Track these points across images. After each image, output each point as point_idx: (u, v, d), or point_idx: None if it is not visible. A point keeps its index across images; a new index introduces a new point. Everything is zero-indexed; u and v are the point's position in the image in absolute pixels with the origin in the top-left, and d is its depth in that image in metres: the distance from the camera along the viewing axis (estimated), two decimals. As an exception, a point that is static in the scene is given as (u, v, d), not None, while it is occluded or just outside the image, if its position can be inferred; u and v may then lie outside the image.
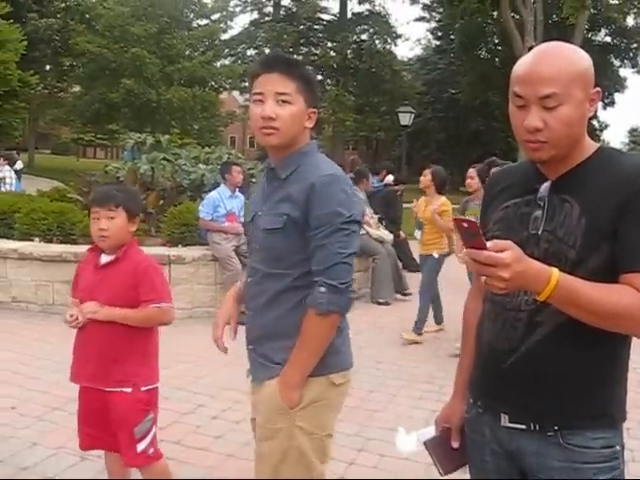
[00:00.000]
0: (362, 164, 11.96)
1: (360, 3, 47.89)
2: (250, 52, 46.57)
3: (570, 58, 1.65)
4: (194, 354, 5.63)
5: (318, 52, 47.55)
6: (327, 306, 2.10)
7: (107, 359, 2.84)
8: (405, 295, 8.88)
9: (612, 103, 47.78)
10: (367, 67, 44.54)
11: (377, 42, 46.26)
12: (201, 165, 10.16)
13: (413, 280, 8.47)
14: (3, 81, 28.06)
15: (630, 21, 39.11)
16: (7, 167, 14.61)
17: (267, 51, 42.00)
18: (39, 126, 48.74)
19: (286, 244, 2.17)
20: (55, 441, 3.98)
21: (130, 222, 2.91)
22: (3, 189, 13.31)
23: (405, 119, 23.67)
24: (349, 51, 46.52)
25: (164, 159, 10.25)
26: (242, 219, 7.48)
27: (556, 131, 1.64)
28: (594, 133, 44.71)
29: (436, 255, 6.86)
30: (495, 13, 36.07)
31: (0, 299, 7.42)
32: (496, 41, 43.24)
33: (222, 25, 39.40)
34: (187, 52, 36.59)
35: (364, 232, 8.19)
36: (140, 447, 2.88)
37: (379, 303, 8.58)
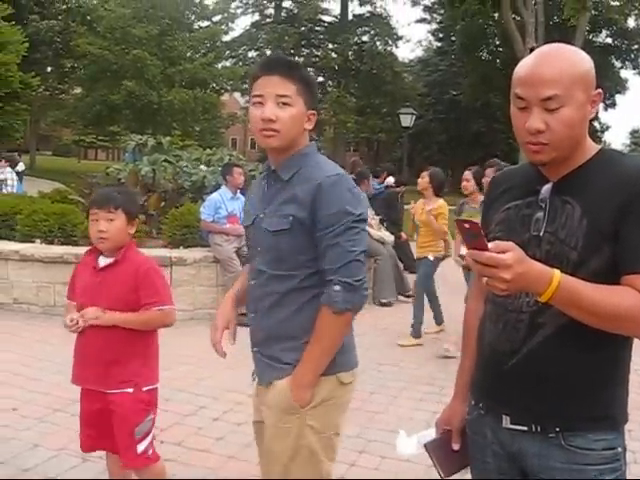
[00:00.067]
0: (363, 165, 11.96)
1: (361, 5, 48.02)
2: (251, 54, 46.70)
3: (571, 60, 1.65)
4: (195, 356, 5.62)
5: (319, 54, 47.61)
6: (343, 304, 2.11)
7: (108, 362, 2.83)
8: (407, 297, 8.88)
9: (613, 104, 47.82)
10: (368, 69, 44.57)
11: (378, 44, 46.31)
12: (202, 167, 10.16)
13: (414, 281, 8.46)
14: (4, 83, 28.06)
15: (631, 22, 39.16)
16: (8, 169, 14.64)
17: (268, 53, 42.03)
18: (40, 128, 48.81)
19: (292, 245, 2.17)
20: (56, 442, 3.98)
21: (129, 224, 2.90)
22: (4, 191, 13.32)
23: (406, 121, 23.67)
24: (350, 53, 46.55)
25: (165, 161, 10.25)
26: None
27: (557, 133, 1.64)
28: (595, 134, 44.71)
29: (431, 257, 6.83)
30: (496, 15, 36.08)
31: (1, 300, 7.42)
32: (497, 43, 43.27)
33: (223, 27, 39.47)
34: (188, 54, 36.64)
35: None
36: (140, 448, 2.88)
37: (382, 304, 8.59)
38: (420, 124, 39.13)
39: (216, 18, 39.32)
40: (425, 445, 2.06)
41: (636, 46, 43.79)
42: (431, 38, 53.62)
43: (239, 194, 7.72)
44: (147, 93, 33.05)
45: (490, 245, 1.50)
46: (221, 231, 7.49)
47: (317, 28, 48.83)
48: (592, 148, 1.74)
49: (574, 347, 1.67)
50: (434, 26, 51.61)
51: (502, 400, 1.78)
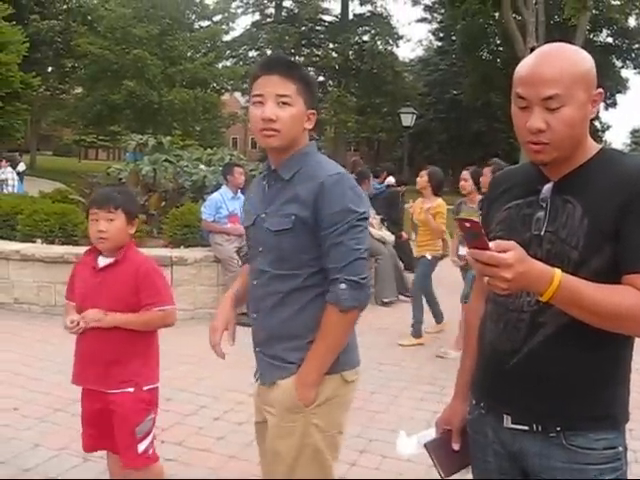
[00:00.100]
0: (364, 165, 11.95)
1: (362, 4, 47.98)
2: (252, 53, 46.68)
3: (572, 59, 1.65)
4: (196, 355, 5.63)
5: (320, 53, 47.59)
6: (350, 302, 2.12)
7: (109, 362, 2.83)
8: (407, 296, 8.87)
9: (614, 104, 47.78)
10: (369, 68, 44.56)
11: (379, 43, 46.27)
12: (202, 166, 10.16)
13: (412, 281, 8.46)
14: (5, 83, 28.06)
15: (632, 22, 39.09)
16: (9, 169, 14.66)
17: (269, 52, 42.03)
18: (41, 128, 48.80)
19: (294, 244, 2.17)
20: (57, 442, 3.98)
21: (129, 224, 2.89)
22: (5, 191, 13.34)
23: (407, 120, 23.68)
24: (351, 52, 46.55)
25: (166, 160, 10.25)
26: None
27: (558, 132, 1.64)
28: (596, 134, 44.68)
29: (429, 257, 6.82)
30: (497, 14, 36.04)
31: (2, 300, 7.42)
32: (498, 42, 43.23)
33: (224, 27, 39.48)
34: (189, 53, 36.65)
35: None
36: (141, 447, 2.87)
37: (384, 303, 8.57)
38: (421, 124, 39.13)
39: (217, 18, 39.33)
40: (425, 445, 2.06)
41: (637, 45, 43.76)
42: (432, 37, 53.67)
43: (240, 194, 7.72)
44: (148, 93, 33.05)
45: (491, 244, 1.50)
46: (222, 231, 7.50)
47: (318, 28, 48.82)
48: (593, 148, 1.74)
49: (575, 346, 1.67)
50: (435, 25, 51.64)
51: (503, 399, 1.78)
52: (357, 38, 47.59)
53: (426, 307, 7.00)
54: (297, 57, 43.17)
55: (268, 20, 48.04)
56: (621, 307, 1.55)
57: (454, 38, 45.66)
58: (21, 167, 17.96)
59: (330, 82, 47.49)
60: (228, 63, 42.75)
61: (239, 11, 45.94)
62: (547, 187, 1.74)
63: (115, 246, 2.86)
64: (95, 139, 49.51)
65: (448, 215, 6.85)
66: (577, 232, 1.64)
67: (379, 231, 9.18)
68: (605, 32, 43.80)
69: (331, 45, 47.65)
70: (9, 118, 29.61)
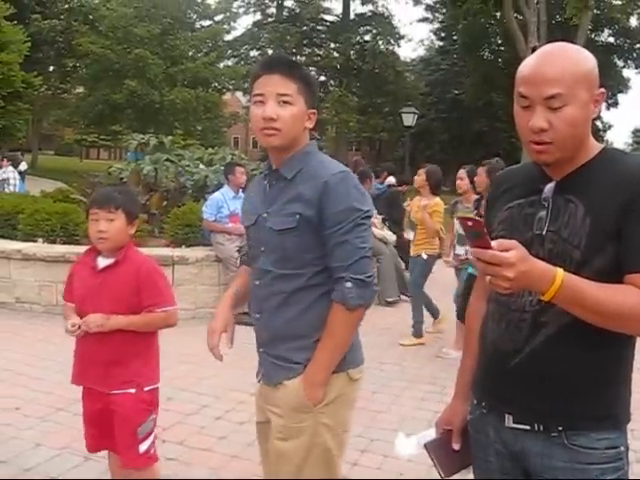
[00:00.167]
0: (365, 165, 11.95)
1: (363, 4, 47.90)
2: (253, 53, 46.63)
3: (574, 59, 1.65)
4: (198, 355, 5.62)
5: (321, 53, 47.54)
6: (356, 300, 2.12)
7: (109, 362, 2.82)
8: (408, 296, 8.86)
9: (615, 104, 47.69)
10: (370, 68, 44.50)
11: (380, 43, 46.21)
12: (201, 166, 10.16)
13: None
14: (7, 82, 28.07)
15: (634, 21, 39.06)
16: (11, 168, 14.67)
17: (270, 52, 41.99)
18: (43, 127, 48.78)
19: (298, 243, 2.17)
20: (59, 442, 3.98)
21: (129, 224, 2.87)
22: (7, 190, 13.35)
23: (408, 120, 23.68)
24: (352, 52, 46.50)
25: (167, 160, 10.26)
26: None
27: (561, 132, 1.64)
28: (598, 134, 44.64)
29: (425, 256, 6.81)
30: (498, 14, 36.01)
31: (4, 300, 7.43)
32: (499, 42, 43.18)
33: (225, 26, 39.42)
34: (190, 53, 36.61)
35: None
36: (143, 447, 2.87)
37: (387, 303, 8.55)
38: (422, 123, 39.06)
39: (218, 17, 39.27)
40: (425, 445, 2.05)
41: (638, 45, 43.64)
42: (433, 37, 53.57)
43: (241, 193, 7.72)
44: (149, 92, 33.02)
45: (493, 243, 1.50)
46: (223, 230, 7.50)
47: (319, 27, 48.75)
48: (595, 147, 1.74)
49: (577, 346, 1.67)
50: (436, 25, 51.54)
51: (505, 399, 1.78)
52: (358, 38, 47.52)
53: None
54: (298, 57, 43.13)
55: (269, 20, 48.00)
56: (623, 306, 1.55)
57: (455, 38, 45.59)
58: (23, 167, 17.97)
59: (331, 82, 47.44)
60: (229, 63, 42.68)
61: (240, 11, 45.92)
62: (549, 186, 1.74)
63: (115, 246, 2.85)
64: (96, 139, 49.47)
65: (445, 215, 6.85)
66: (579, 232, 1.64)
67: (381, 231, 9.17)
68: (607, 32, 43.72)
69: (332, 45, 47.58)
70: (11, 118, 29.62)
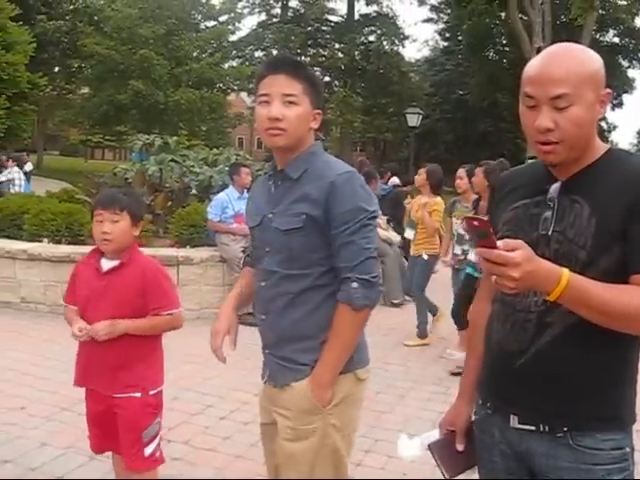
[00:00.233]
0: (370, 165, 11.93)
1: (368, 4, 47.91)
2: (258, 53, 46.64)
3: (580, 59, 1.66)
4: (202, 355, 5.61)
5: (326, 53, 47.54)
6: (362, 301, 2.12)
7: (114, 366, 2.80)
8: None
9: (620, 104, 47.57)
10: (375, 68, 44.48)
11: (385, 43, 46.20)
12: (205, 167, 10.17)
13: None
14: (12, 83, 28.16)
15: (639, 22, 39.01)
16: (16, 168, 14.73)
17: (275, 52, 42.01)
18: (48, 128, 48.85)
19: (304, 243, 2.17)
20: (64, 441, 3.99)
21: (134, 226, 2.85)
22: (12, 190, 13.41)
23: (413, 120, 23.66)
24: (357, 52, 46.48)
25: (172, 160, 10.27)
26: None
27: (567, 131, 1.64)
28: (602, 134, 44.51)
29: (425, 256, 6.80)
30: (503, 14, 35.99)
31: (9, 300, 7.45)
32: (504, 42, 43.12)
33: (230, 27, 39.41)
34: (195, 54, 36.63)
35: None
36: (148, 451, 2.85)
37: (393, 304, 8.53)
38: (427, 124, 39.03)
39: (223, 18, 39.28)
40: (429, 445, 2.05)
41: (644, 45, 43.61)
42: (438, 38, 53.53)
43: (246, 194, 7.73)
44: (154, 93, 33.05)
45: (499, 243, 1.50)
46: (228, 231, 7.51)
47: (323, 28, 48.75)
48: (600, 148, 1.74)
49: (583, 347, 1.67)
50: (441, 26, 51.50)
51: (510, 400, 1.78)
52: (363, 38, 47.51)
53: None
54: (303, 57, 43.11)
55: (274, 20, 48.02)
56: (630, 307, 1.55)
57: (460, 38, 45.56)
58: (28, 167, 18.04)
59: (336, 82, 47.41)
60: (234, 63, 42.70)
61: (245, 11, 45.91)
62: (555, 187, 1.74)
63: (119, 248, 2.83)
64: (101, 139, 49.54)
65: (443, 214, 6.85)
66: (585, 232, 1.64)
67: (386, 232, 9.15)
68: (612, 32, 43.63)
69: (337, 45, 47.56)
70: (16, 118, 29.67)
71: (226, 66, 39.45)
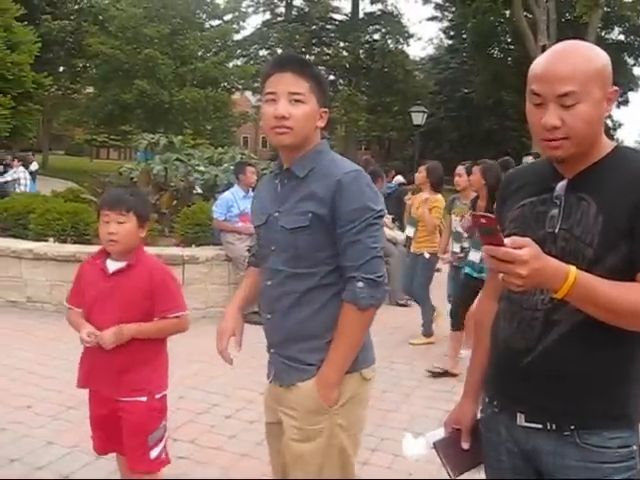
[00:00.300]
0: (375, 164, 11.92)
1: (372, 3, 47.91)
2: (262, 52, 46.69)
3: (587, 56, 1.65)
4: (208, 353, 5.59)
5: (330, 52, 47.55)
6: (368, 300, 2.12)
7: (120, 369, 2.78)
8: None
9: (626, 102, 47.48)
10: (379, 67, 44.46)
11: (389, 42, 46.18)
12: (210, 166, 10.17)
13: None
14: (17, 83, 28.23)
15: (644, 19, 38.86)
16: (22, 168, 14.79)
17: (279, 51, 42.03)
18: (53, 127, 48.94)
19: (310, 242, 2.16)
20: (70, 440, 4.00)
21: (140, 227, 2.83)
22: (18, 190, 13.45)
23: (418, 119, 23.67)
24: (361, 51, 46.49)
25: (177, 160, 10.28)
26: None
27: (574, 129, 1.63)
28: (608, 132, 44.26)
29: (427, 255, 6.79)
30: (507, 12, 35.97)
31: (15, 299, 7.46)
32: (509, 40, 43.08)
33: (234, 26, 39.48)
34: (200, 53, 36.67)
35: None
36: (153, 454, 2.84)
37: (398, 304, 8.49)
38: (431, 122, 38.98)
39: (227, 17, 39.33)
40: (434, 444, 2.05)
41: (649, 43, 43.47)
42: (442, 36, 53.46)
43: (251, 193, 7.73)
44: (159, 92, 33.10)
45: (506, 241, 1.50)
46: (233, 230, 7.51)
47: (328, 26, 48.76)
48: (607, 145, 1.74)
49: (589, 344, 1.66)
50: (445, 24, 51.45)
51: (517, 398, 1.78)
52: (368, 37, 47.52)
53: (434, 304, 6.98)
54: (308, 56, 43.05)
55: (279, 19, 48.07)
56: (637, 304, 1.55)
57: (465, 36, 45.50)
58: (33, 167, 18.07)
59: (341, 81, 47.43)
60: (239, 62, 42.74)
61: (250, 10, 45.94)
62: (561, 184, 1.73)
63: (125, 249, 2.81)
64: (106, 139, 49.61)
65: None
66: (592, 230, 1.64)
67: (391, 231, 9.13)
68: (617, 30, 43.51)
69: (342, 44, 47.57)
70: (21, 118, 29.73)
71: (231, 65, 39.50)
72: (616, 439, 1.67)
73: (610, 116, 43.90)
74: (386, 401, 4.93)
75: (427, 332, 6.81)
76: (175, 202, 9.21)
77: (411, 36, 47.95)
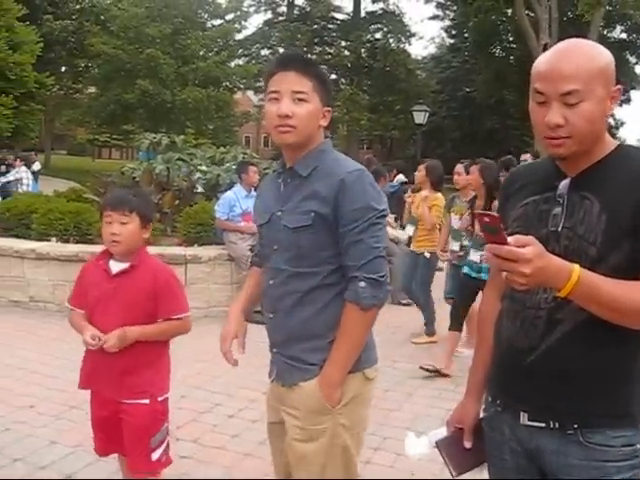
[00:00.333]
0: (377, 163, 11.92)
1: (374, 2, 47.99)
2: (264, 52, 46.73)
3: (590, 54, 1.65)
4: (210, 353, 5.60)
5: (332, 51, 47.56)
6: (370, 300, 2.11)
7: (122, 372, 2.77)
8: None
9: (628, 100, 47.45)
10: (381, 66, 44.45)
11: (391, 41, 46.19)
12: (213, 166, 10.17)
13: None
14: (20, 83, 28.25)
15: (646, 18, 38.79)
16: (24, 168, 14.79)
17: (281, 51, 42.01)
18: (55, 127, 48.99)
19: (313, 241, 2.15)
20: (73, 439, 4.00)
21: (143, 228, 2.81)
22: (20, 190, 13.46)
23: (420, 118, 23.66)
24: (363, 50, 46.48)
25: (179, 159, 10.28)
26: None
27: (577, 127, 1.63)
28: (610, 130, 44.34)
29: (427, 255, 6.78)
30: (509, 11, 35.93)
31: (18, 299, 7.47)
32: (511, 39, 43.04)
33: (236, 25, 39.48)
34: (201, 52, 36.68)
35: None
36: (155, 456, 2.84)
37: (401, 303, 8.48)
38: (433, 121, 39.00)
39: (229, 16, 39.33)
40: (436, 443, 2.05)
41: (651, 41, 43.42)
42: (444, 35, 53.49)
43: (254, 192, 7.73)
44: (161, 92, 33.13)
45: (510, 239, 1.50)
46: (235, 229, 7.51)
47: (330, 26, 48.78)
48: (610, 144, 1.74)
49: (593, 343, 1.66)
50: (447, 23, 51.45)
51: (520, 397, 1.77)
52: (369, 36, 47.52)
53: (438, 304, 6.97)
54: (309, 55, 43.10)
55: (280, 18, 48.11)
56: (640, 303, 1.54)
57: (467, 35, 45.51)
58: (36, 166, 18.11)
59: (342, 80, 47.40)
60: (240, 62, 42.76)
61: (251, 10, 45.96)
62: (564, 183, 1.73)
63: (128, 250, 2.79)
64: (109, 138, 49.68)
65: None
66: (595, 228, 1.63)
67: (394, 230, 9.12)
68: (619, 28, 43.46)
69: (343, 43, 47.58)
70: (24, 118, 29.76)
71: (232, 64, 39.51)
72: (620, 438, 1.67)
73: (612, 115, 43.87)
74: (389, 400, 4.93)
75: (429, 331, 6.81)
76: (177, 202, 9.22)
77: (413, 35, 48.05)
